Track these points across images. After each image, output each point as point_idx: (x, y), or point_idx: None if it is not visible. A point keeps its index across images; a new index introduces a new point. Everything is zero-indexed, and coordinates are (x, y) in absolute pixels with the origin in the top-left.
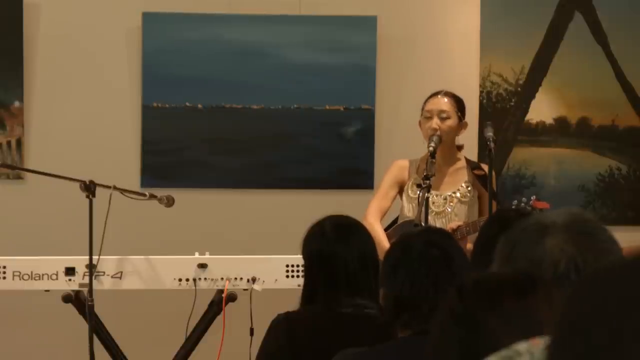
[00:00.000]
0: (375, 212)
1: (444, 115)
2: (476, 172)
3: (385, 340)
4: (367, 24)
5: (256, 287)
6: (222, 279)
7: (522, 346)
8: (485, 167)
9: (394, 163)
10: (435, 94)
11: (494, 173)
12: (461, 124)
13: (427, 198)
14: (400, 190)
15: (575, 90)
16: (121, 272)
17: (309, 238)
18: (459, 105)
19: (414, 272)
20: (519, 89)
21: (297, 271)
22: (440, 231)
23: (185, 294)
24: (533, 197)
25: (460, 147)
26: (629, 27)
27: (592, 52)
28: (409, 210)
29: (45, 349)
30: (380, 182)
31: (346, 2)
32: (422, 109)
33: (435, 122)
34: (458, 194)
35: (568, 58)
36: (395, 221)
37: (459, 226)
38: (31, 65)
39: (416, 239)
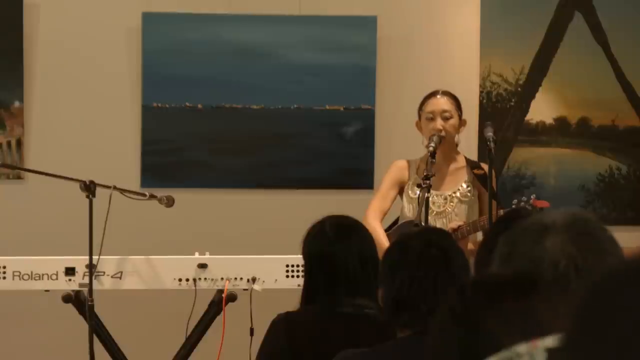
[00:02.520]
0: (375, 213)
1: (447, 114)
2: (476, 171)
3: (385, 340)
4: (367, 24)
5: (256, 287)
6: (222, 279)
7: (522, 348)
8: (485, 166)
9: (393, 163)
10: (433, 94)
11: (494, 173)
12: (461, 121)
13: (427, 198)
14: (400, 191)
15: (575, 90)
16: (121, 272)
17: (309, 238)
18: (458, 103)
19: (413, 272)
20: (519, 89)
21: (297, 271)
22: (440, 231)
23: (185, 294)
24: (533, 196)
25: (456, 145)
26: (629, 27)
27: (592, 52)
28: (409, 211)
29: (45, 349)
30: (380, 182)
31: (346, 2)
32: (421, 110)
33: (439, 123)
34: (458, 194)
35: (568, 58)
36: (395, 222)
37: (459, 226)
38: (31, 65)
39: (415, 239)
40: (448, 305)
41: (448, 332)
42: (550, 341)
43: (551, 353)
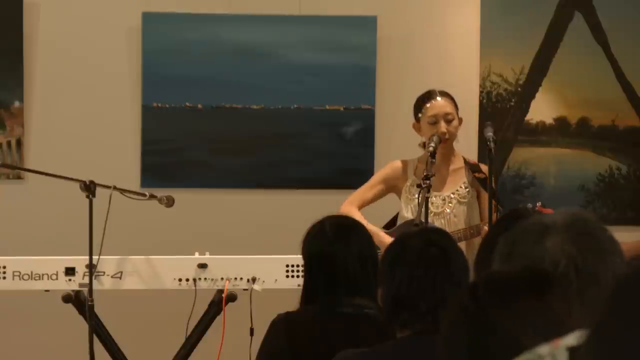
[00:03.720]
0: (354, 200)
1: (450, 117)
2: (477, 174)
3: (385, 340)
4: (367, 24)
5: (256, 287)
6: (222, 279)
7: (544, 349)
8: (485, 168)
9: (389, 163)
10: (432, 97)
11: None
12: (459, 120)
13: (427, 198)
14: (391, 190)
15: (575, 90)
16: (121, 272)
17: (309, 238)
18: (455, 102)
19: (413, 271)
20: (519, 89)
21: (297, 271)
22: (439, 230)
23: (185, 294)
24: (538, 204)
25: None
26: (629, 27)
27: (592, 52)
28: (407, 211)
29: (45, 349)
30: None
31: (346, 2)
32: (420, 112)
33: (443, 126)
34: (457, 195)
35: (568, 58)
36: (392, 221)
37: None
38: (31, 65)
39: (415, 238)
40: (460, 303)
41: (460, 331)
42: (571, 340)
43: (577, 348)
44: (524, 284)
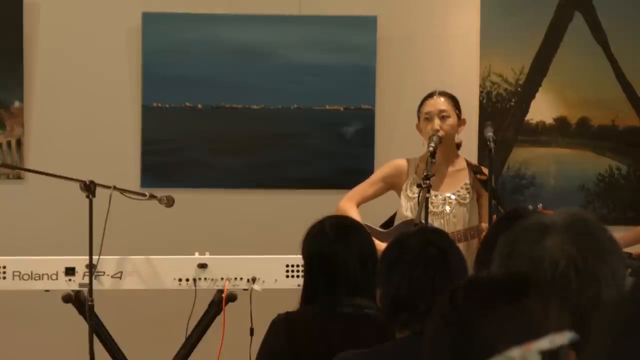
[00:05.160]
0: (353, 196)
1: (445, 114)
2: (479, 177)
3: (385, 341)
4: (367, 24)
5: (256, 287)
6: (222, 279)
7: (515, 352)
8: (487, 171)
9: (392, 161)
10: (430, 95)
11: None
12: (460, 121)
13: (427, 198)
14: (390, 188)
15: (575, 90)
16: (121, 272)
17: (309, 238)
18: (456, 103)
19: (412, 271)
20: (519, 89)
21: (297, 271)
22: (438, 230)
23: (185, 294)
24: (540, 206)
25: (458, 145)
26: (629, 27)
27: (592, 52)
28: (407, 209)
29: (45, 349)
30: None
31: (346, 2)
32: (419, 111)
33: (436, 123)
34: (457, 196)
35: (568, 58)
36: (390, 219)
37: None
38: (31, 65)
39: (414, 238)
40: (439, 307)
41: (439, 335)
42: (545, 343)
43: (550, 352)
44: (502, 289)
